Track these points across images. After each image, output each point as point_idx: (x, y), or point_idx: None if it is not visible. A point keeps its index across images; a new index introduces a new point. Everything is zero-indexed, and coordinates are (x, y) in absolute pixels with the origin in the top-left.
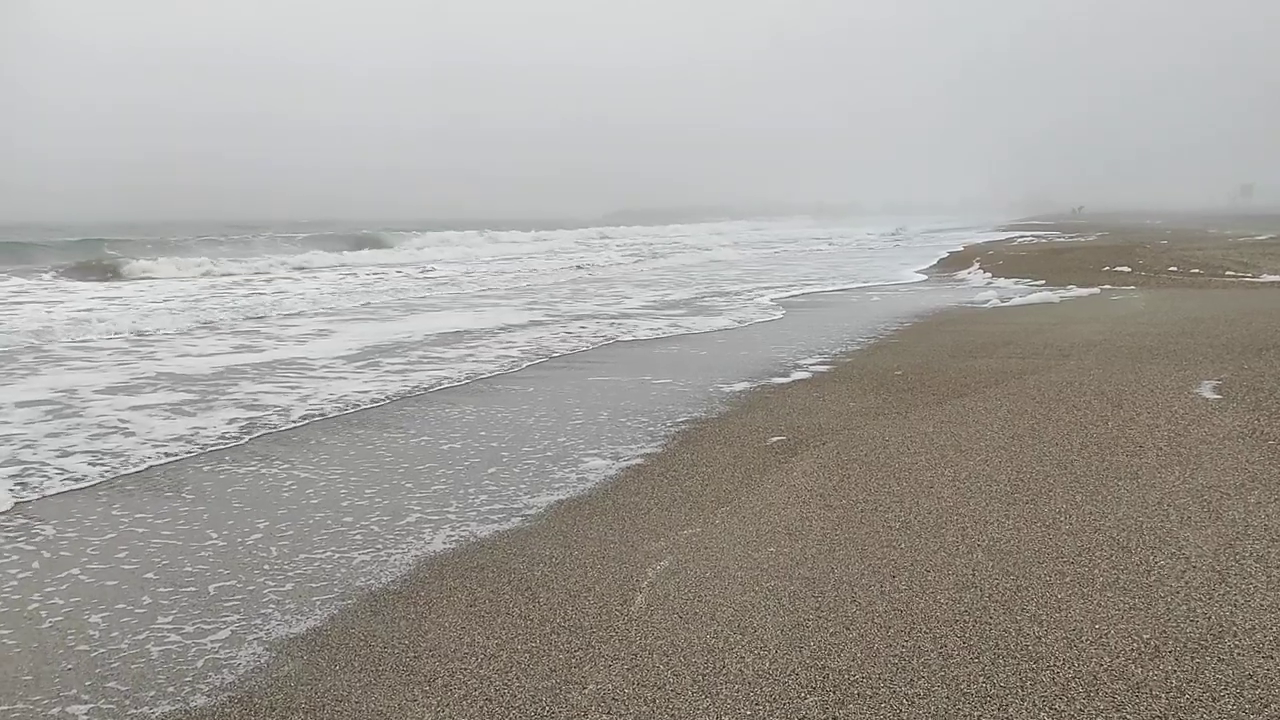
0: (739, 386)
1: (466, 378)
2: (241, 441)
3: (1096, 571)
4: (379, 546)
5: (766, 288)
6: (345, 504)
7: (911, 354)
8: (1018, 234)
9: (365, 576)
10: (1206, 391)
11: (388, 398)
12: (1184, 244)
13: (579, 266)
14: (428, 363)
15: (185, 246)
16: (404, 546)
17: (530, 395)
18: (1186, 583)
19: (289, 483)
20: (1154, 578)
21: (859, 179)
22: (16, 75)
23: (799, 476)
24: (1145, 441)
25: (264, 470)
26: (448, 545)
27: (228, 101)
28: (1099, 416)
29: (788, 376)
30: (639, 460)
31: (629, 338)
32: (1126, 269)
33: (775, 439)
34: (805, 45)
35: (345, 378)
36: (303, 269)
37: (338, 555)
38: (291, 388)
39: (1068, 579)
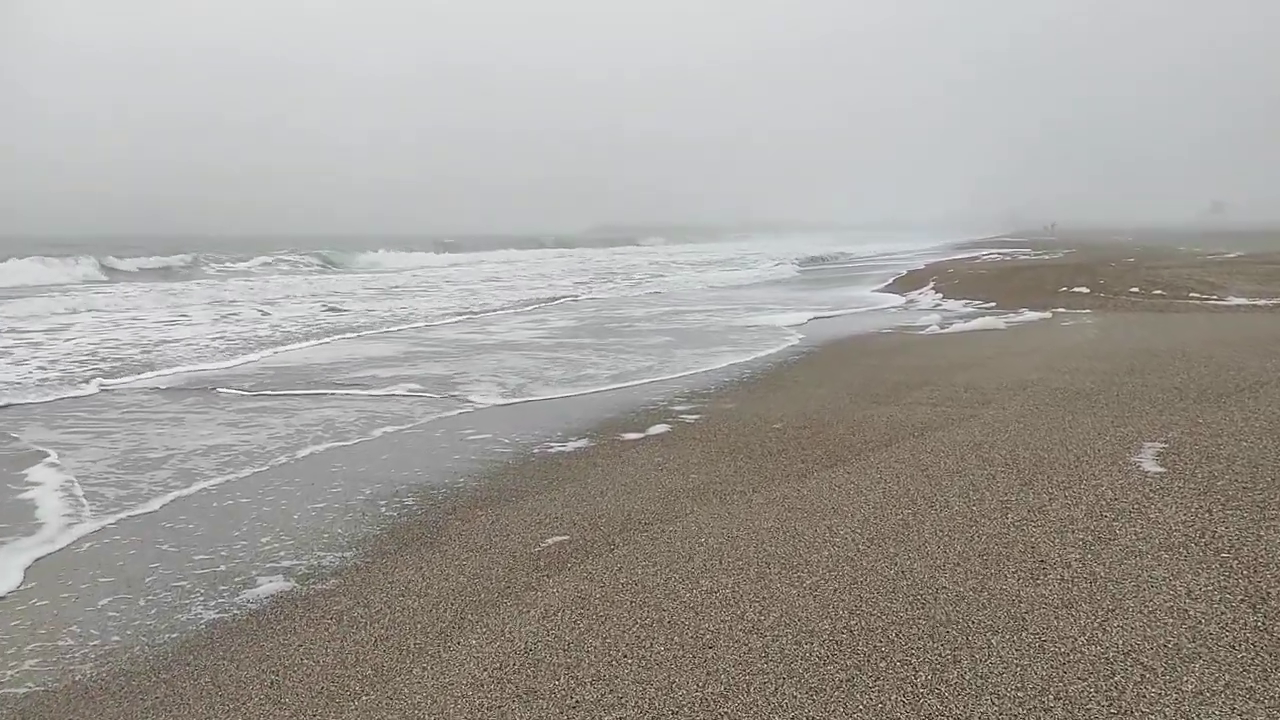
0: (572, 445)
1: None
2: None
3: None
4: None
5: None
6: None
7: (806, 397)
8: (985, 251)
9: None
10: (1147, 460)
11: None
12: (1151, 262)
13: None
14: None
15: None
16: None
17: (299, 467)
18: None
19: None
20: None
21: (842, 195)
22: (13, 76)
23: (534, 620)
24: (1050, 553)
25: None
26: None
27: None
28: (1000, 502)
29: (643, 430)
30: (334, 582)
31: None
32: (1085, 289)
33: (554, 540)
34: (799, 50)
35: None
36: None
37: None
38: None
39: None
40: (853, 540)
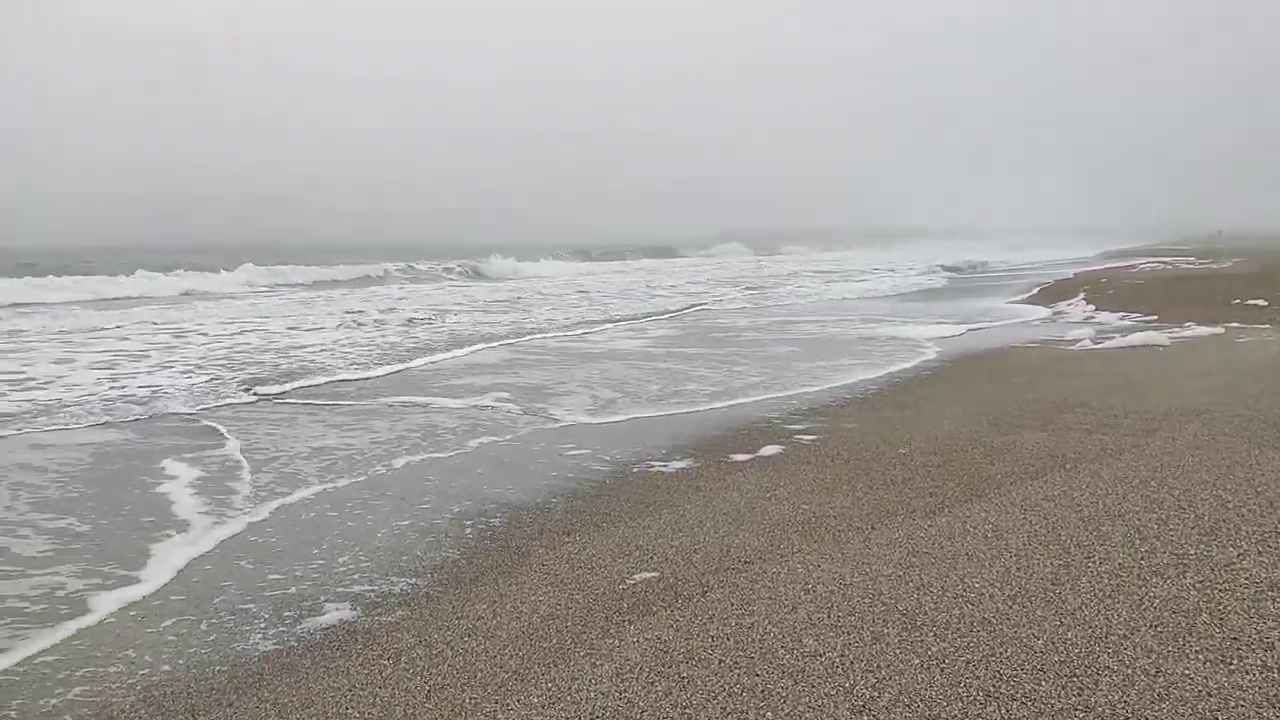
0: (675, 465)
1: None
2: None
3: None
4: None
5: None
6: None
7: (938, 418)
8: (1143, 260)
9: None
10: None
11: None
12: None
13: None
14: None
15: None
16: None
17: (394, 477)
18: None
19: None
20: None
21: (914, 195)
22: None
23: (606, 677)
24: (1245, 628)
25: None
26: None
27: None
28: (1174, 556)
29: (754, 451)
30: (401, 613)
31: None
32: (1263, 302)
33: (642, 576)
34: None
35: None
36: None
37: None
38: None
39: None
40: (990, 596)
